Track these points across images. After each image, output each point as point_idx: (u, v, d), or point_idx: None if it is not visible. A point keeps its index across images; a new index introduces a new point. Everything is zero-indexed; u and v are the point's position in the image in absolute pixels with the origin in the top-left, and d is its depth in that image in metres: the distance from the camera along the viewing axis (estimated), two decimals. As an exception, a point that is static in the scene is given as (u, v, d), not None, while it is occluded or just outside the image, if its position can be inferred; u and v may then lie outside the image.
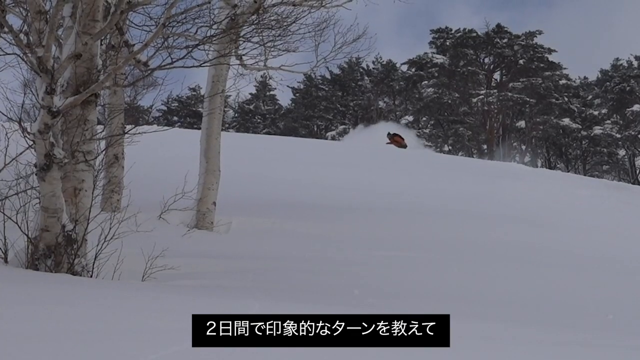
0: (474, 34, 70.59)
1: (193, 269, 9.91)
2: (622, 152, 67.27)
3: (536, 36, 70.82)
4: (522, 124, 69.00)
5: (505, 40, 70.26)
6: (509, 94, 67.53)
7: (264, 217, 14.91)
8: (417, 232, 15.08)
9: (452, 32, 71.90)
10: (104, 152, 10.60)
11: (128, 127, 14.13)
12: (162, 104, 68.87)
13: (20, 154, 9.37)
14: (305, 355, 4.22)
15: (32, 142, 8.06)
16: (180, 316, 5.76)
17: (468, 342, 5.48)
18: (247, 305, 6.60)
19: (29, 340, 4.39)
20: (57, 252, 7.97)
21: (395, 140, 43.25)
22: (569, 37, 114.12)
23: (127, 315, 5.62)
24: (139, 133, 10.99)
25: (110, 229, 8.67)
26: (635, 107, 66.36)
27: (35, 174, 8.00)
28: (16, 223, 8.26)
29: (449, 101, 68.95)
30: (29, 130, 7.94)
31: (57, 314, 5.39)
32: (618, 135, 66.82)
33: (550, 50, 70.57)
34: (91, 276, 8.22)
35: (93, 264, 8.33)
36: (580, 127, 68.41)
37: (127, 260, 8.79)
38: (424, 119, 73.32)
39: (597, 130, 67.93)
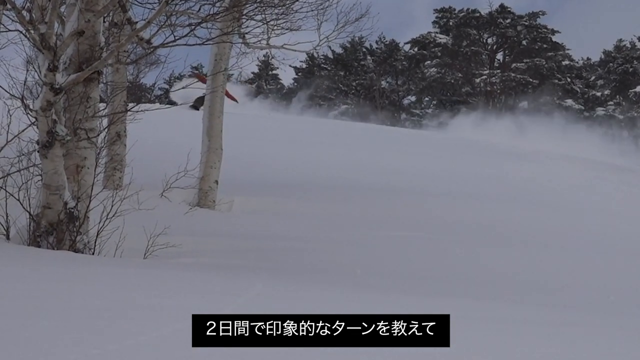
0: (477, 14, 70.55)
1: (195, 247, 9.92)
2: (625, 134, 67.23)
3: (539, 17, 70.79)
4: (524, 104, 68.99)
5: (508, 21, 70.21)
6: (512, 74, 67.58)
7: (265, 196, 14.93)
8: (419, 213, 15.07)
9: (456, 11, 71.80)
10: (106, 130, 10.61)
11: (130, 104, 14.13)
12: (164, 82, 68.78)
13: (23, 131, 9.39)
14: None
15: (34, 120, 8.06)
16: (182, 294, 5.78)
17: (470, 323, 5.49)
18: (250, 284, 6.61)
19: (31, 317, 4.40)
20: (59, 229, 7.98)
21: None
22: (572, 18, 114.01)
23: (129, 292, 5.62)
24: (142, 111, 11.00)
25: (112, 206, 8.68)
26: (638, 89, 66.32)
27: (38, 151, 7.99)
28: (18, 200, 8.27)
29: (452, 81, 69.04)
30: (31, 107, 7.95)
31: (59, 290, 5.40)
32: (621, 117, 66.80)
33: (553, 31, 70.56)
34: (93, 253, 8.24)
35: (95, 242, 8.34)
36: (582, 108, 68.40)
37: (129, 238, 8.80)
38: (427, 99, 73.35)
39: (600, 111, 67.92)
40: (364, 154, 25.49)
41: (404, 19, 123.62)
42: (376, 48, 74.89)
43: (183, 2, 11.47)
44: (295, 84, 75.02)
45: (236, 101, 35.51)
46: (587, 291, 9.29)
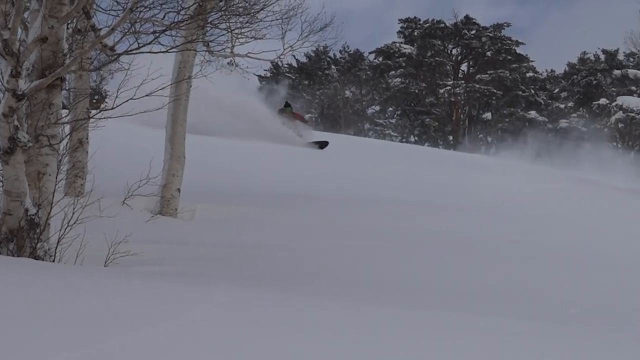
0: (442, 25, 70.88)
1: (156, 255, 9.88)
2: (587, 146, 67.81)
3: (504, 28, 71.28)
4: (488, 115, 69.42)
5: (473, 32, 70.62)
6: (476, 85, 67.94)
7: (228, 204, 14.91)
8: (385, 222, 15.12)
9: (421, 22, 72.12)
10: (68, 137, 10.55)
11: (93, 111, 14.07)
12: (128, 90, 68.54)
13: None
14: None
15: (-4, 126, 8.01)
16: (142, 302, 5.76)
17: (430, 333, 5.52)
18: (211, 292, 6.61)
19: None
20: (19, 236, 7.92)
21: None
22: (537, 30, 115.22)
23: (89, 300, 5.60)
24: (104, 118, 10.95)
25: (73, 213, 8.64)
26: (602, 101, 66.91)
27: (-1, 158, 7.94)
28: (-22, 207, 8.21)
29: (416, 91, 69.24)
30: (-7, 113, 7.89)
31: (19, 297, 5.37)
32: (584, 129, 67.39)
33: (517, 43, 71.12)
34: (53, 261, 8.18)
35: (56, 249, 8.29)
36: (546, 120, 68.94)
37: (90, 246, 8.76)
38: (391, 109, 73.54)
39: (563, 123, 68.49)
40: (328, 164, 25.55)
41: (386, 29, 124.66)
42: (340, 57, 75.03)
43: (147, 9, 11.42)
44: (259, 92, 74.94)
45: (305, 121, 37.63)
46: (551, 302, 9.36)
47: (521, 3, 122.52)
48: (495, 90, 67.36)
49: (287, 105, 37.21)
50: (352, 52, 74.49)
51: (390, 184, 22.68)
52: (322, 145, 33.11)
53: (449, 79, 70.43)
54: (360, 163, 27.82)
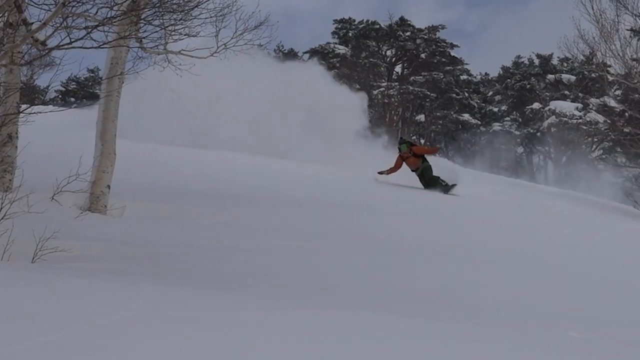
0: (377, 26, 71.15)
1: (85, 252, 9.80)
2: (520, 150, 68.68)
3: (439, 30, 71.78)
4: (421, 117, 69.87)
5: (408, 34, 70.99)
6: (410, 87, 68.28)
7: (159, 202, 14.82)
8: (321, 223, 15.17)
9: (355, 23, 72.35)
10: (-3, 131, 10.43)
11: (23, 106, 13.90)
12: (59, 85, 67.85)
13: None
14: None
15: None
16: (70, 299, 5.72)
17: (350, 334, 5.56)
18: (140, 290, 6.58)
19: None
20: (-55, 231, 7.83)
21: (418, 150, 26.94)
22: (485, 34, 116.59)
23: (16, 297, 5.55)
24: (34, 113, 10.84)
25: (1, 209, 8.54)
26: (535, 105, 67.74)
27: None
28: None
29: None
30: None
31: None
32: (517, 133, 68.18)
33: (452, 45, 71.65)
34: (-20, 256, 8.10)
35: (-18, 244, 8.21)
36: (479, 123, 69.60)
37: (18, 241, 8.67)
38: (324, 109, 73.54)
39: (496, 126, 69.22)
40: (264, 162, 25.58)
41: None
42: (275, 57, 74.97)
43: (80, 4, 11.30)
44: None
45: (435, 152, 30.34)
46: (481, 305, 9.45)
47: (470, 6, 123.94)
48: (429, 93, 67.82)
49: (402, 141, 27.04)
50: (286, 51, 74.40)
51: (322, 185, 22.73)
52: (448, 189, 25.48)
53: (383, 80, 70.74)
54: (293, 161, 27.88)
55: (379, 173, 26.06)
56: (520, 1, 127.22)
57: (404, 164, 26.23)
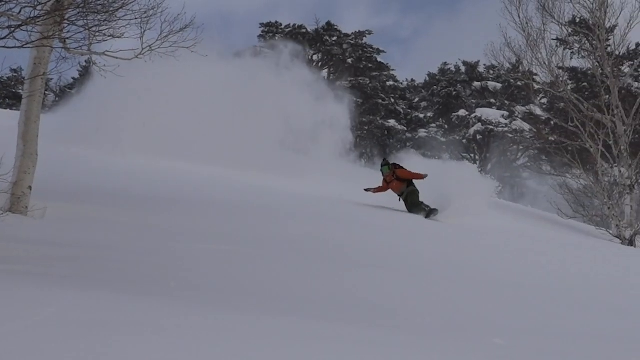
0: (304, 30, 71.21)
1: (3, 253, 9.67)
2: (446, 156, 69.24)
3: (365, 36, 72.08)
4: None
5: (334, 39, 71.16)
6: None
7: (83, 204, 14.69)
8: (244, 227, 15.16)
9: (282, 26, 72.36)
10: None
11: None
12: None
13: None
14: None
15: None
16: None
17: (266, 339, 5.58)
18: (61, 293, 6.52)
19: None
20: None
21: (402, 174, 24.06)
22: (419, 40, 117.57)
23: None
24: (-46, 112, 10.67)
25: None
26: (461, 112, 68.38)
27: None
28: None
29: (276, 96, 69.28)
30: None
31: None
32: (443, 139, 68.75)
33: (379, 51, 71.99)
34: None
35: None
36: (405, 129, 70.04)
37: None
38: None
39: (422, 133, 69.70)
40: (188, 165, 25.51)
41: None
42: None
43: (3, 3, 11.18)
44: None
45: (421, 178, 23.70)
46: (403, 311, 9.52)
47: (404, 13, 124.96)
48: (355, 98, 68.09)
49: (383, 163, 24.81)
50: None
51: (250, 189, 22.76)
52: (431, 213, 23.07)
53: (309, 85, 70.81)
54: (220, 167, 27.86)
55: (365, 190, 23.96)
56: (453, 9, 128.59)
57: (388, 187, 23.88)
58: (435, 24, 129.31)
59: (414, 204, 23.45)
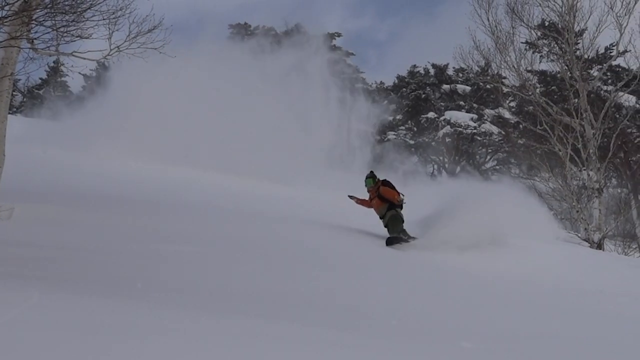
0: (273, 32, 71.14)
1: (-31, 254, 9.64)
2: (414, 159, 69.30)
3: (335, 38, 72.07)
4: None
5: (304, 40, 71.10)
6: (305, 94, 68.36)
7: (50, 205, 14.64)
8: (207, 228, 15.16)
9: (251, 28, 72.28)
10: None
11: None
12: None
13: None
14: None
15: None
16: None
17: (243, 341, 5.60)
18: (27, 294, 6.50)
19: None
20: None
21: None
22: (396, 43, 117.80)
23: None
24: None
25: None
26: (430, 115, 68.50)
27: None
28: None
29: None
30: None
31: None
32: (412, 142, 68.82)
33: (348, 53, 72.01)
34: None
35: None
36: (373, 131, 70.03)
37: None
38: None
39: (391, 135, 69.71)
40: (159, 167, 25.49)
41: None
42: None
43: (-29, 3, 11.14)
44: (84, 91, 73.57)
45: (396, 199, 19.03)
46: (373, 314, 9.55)
47: (381, 16, 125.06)
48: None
49: (368, 175, 20.28)
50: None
51: (216, 191, 22.75)
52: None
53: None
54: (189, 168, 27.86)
55: (349, 197, 20.16)
56: (429, 12, 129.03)
57: (372, 204, 19.68)
58: (412, 27, 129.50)
59: (393, 230, 18.67)
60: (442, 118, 67.68)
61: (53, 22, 13.89)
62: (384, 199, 19.11)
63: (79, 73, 14.42)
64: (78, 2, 14.04)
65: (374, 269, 13.78)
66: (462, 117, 67.01)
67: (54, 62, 59.40)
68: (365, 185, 19.70)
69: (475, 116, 66.89)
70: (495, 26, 36.94)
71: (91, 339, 4.95)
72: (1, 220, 13.42)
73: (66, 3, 13.84)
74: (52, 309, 6.06)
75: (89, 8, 14.17)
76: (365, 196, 19.98)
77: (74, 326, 5.37)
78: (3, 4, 12.09)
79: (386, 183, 19.47)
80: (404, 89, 72.99)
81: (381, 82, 78.00)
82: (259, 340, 5.83)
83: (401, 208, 19.08)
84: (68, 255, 10.59)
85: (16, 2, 12.44)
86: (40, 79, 72.70)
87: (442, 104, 70.58)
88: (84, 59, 14.69)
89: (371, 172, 20.25)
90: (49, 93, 71.94)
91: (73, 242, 11.86)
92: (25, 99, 72.32)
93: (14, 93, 14.03)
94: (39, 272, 9.01)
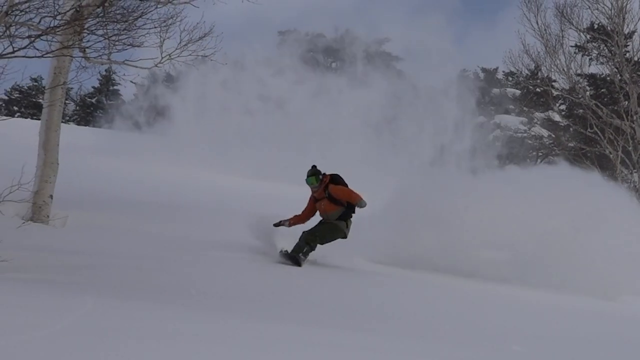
0: (323, 38, 71.20)
1: (26, 262, 9.73)
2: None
3: (384, 43, 71.97)
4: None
5: (353, 46, 71.05)
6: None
7: (101, 212, 14.76)
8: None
9: (301, 34, 72.40)
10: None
11: (-35, 115, 13.80)
12: (2, 94, 67.14)
13: None
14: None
15: None
16: (10, 310, 5.69)
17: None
18: (81, 302, 6.56)
19: None
20: None
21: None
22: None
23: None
24: (-24, 122, 10.77)
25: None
26: (480, 119, 68.15)
27: None
28: None
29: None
30: None
31: None
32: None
33: (397, 59, 71.89)
34: None
35: None
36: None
37: (-42, 251, 8.60)
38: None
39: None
40: (206, 174, 25.59)
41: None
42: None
43: (23, 13, 11.25)
44: (136, 99, 74.06)
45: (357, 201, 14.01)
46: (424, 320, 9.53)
47: (446, 21, 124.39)
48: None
49: (311, 172, 14.74)
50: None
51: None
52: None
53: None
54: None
55: (275, 225, 14.11)
56: (491, 19, 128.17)
57: (316, 207, 14.54)
58: (473, 32, 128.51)
59: (325, 238, 14.09)
60: (492, 122, 67.29)
61: (105, 30, 14.01)
62: (337, 201, 14.18)
63: (131, 81, 14.53)
64: (129, 10, 14.15)
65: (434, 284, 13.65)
66: (512, 121, 66.58)
67: (105, 70, 59.97)
68: (308, 185, 14.36)
69: (525, 119, 66.41)
70: (545, 29, 36.64)
71: (145, 345, 4.99)
72: (56, 228, 13.57)
73: (117, 12, 13.96)
74: (106, 315, 6.11)
75: (140, 16, 14.27)
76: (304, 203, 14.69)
77: (128, 332, 5.41)
78: (55, 13, 12.21)
79: (336, 179, 14.43)
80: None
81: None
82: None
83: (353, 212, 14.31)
84: (120, 262, 10.68)
85: (68, 11, 12.56)
86: (93, 87, 73.25)
87: (491, 107, 70.18)
88: (136, 67, 14.80)
89: (313, 167, 14.50)
90: (102, 101, 72.49)
91: (125, 250, 11.97)
92: (77, 108, 72.97)
93: (66, 102, 14.20)
94: (92, 280, 9.09)
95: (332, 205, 14.07)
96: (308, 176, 14.29)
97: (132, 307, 6.95)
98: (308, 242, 13.61)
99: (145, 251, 12.08)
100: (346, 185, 14.24)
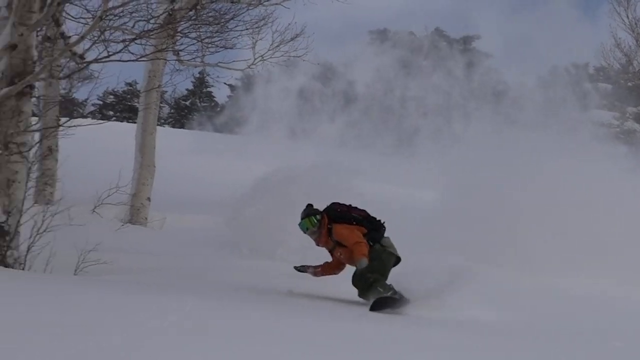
0: (412, 37, 70.99)
1: (126, 264, 9.86)
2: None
3: (474, 41, 71.51)
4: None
5: (444, 44, 70.75)
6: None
7: (198, 214, 14.85)
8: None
9: (390, 33, 72.27)
10: (38, 144, 10.50)
11: (63, 119, 14.02)
12: (97, 98, 68.20)
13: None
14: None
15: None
16: (114, 311, 5.75)
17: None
18: (181, 303, 6.60)
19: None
20: (-12, 243, 7.88)
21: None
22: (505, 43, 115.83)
23: (55, 309, 5.59)
24: (74, 126, 10.92)
25: (43, 221, 8.59)
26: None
27: (-32, 165, 7.89)
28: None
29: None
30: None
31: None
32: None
33: (487, 55, 71.30)
34: (23, 268, 8.14)
35: (25, 257, 8.26)
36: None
37: (60, 254, 8.72)
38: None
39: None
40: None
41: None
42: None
43: (117, 17, 11.40)
44: (230, 101, 74.55)
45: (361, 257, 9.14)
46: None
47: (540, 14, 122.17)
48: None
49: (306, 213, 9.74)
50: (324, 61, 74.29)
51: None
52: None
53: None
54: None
55: (297, 269, 9.91)
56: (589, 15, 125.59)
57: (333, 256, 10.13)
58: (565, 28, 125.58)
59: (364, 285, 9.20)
60: (584, 117, 66.26)
61: (198, 33, 14.14)
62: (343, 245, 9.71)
63: (225, 83, 14.67)
64: (221, 13, 14.25)
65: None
66: (603, 116, 65.49)
67: (199, 73, 60.49)
68: (303, 232, 9.83)
69: (617, 114, 65.26)
70: (635, 23, 35.98)
71: (245, 345, 4.99)
72: (154, 231, 13.73)
73: (209, 14, 14.07)
74: (205, 315, 6.13)
75: (232, 19, 14.37)
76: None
77: (228, 332, 5.42)
78: (148, 17, 12.35)
79: (335, 215, 9.84)
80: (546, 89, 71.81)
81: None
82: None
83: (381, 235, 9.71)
84: (214, 264, 10.73)
85: (161, 15, 12.70)
86: (187, 90, 73.88)
87: (583, 102, 69.14)
88: (229, 69, 14.91)
89: (309, 206, 9.97)
90: (196, 104, 73.10)
91: (221, 252, 12.02)
92: (172, 111, 73.71)
93: (161, 105, 14.37)
94: (190, 282, 9.16)
95: (346, 251, 9.61)
96: (301, 219, 9.81)
97: (230, 307, 6.97)
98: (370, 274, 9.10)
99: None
100: (347, 211, 9.86)
